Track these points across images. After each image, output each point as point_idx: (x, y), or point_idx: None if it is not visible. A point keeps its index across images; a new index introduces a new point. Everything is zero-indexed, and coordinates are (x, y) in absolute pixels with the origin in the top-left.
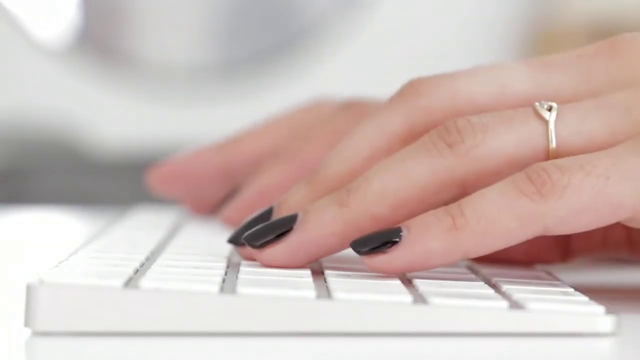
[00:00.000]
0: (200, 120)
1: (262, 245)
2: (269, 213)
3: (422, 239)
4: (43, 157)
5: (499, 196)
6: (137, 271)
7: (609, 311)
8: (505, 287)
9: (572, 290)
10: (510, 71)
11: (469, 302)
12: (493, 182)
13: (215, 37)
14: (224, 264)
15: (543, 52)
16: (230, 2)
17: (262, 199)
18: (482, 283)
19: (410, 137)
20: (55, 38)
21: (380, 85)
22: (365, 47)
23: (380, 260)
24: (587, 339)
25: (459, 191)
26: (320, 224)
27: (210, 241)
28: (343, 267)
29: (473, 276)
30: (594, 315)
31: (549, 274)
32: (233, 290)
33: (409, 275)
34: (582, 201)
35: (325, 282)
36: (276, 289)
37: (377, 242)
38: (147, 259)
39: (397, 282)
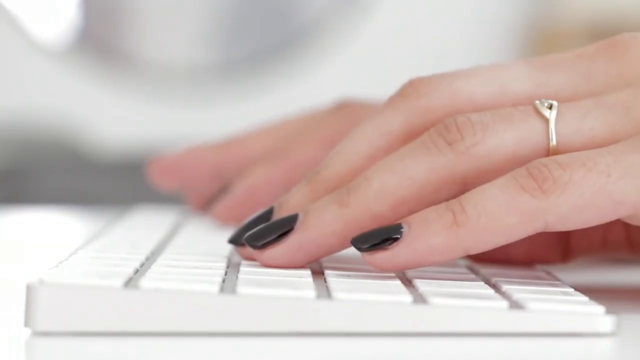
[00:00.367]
0: (200, 120)
1: (263, 246)
2: (269, 213)
3: (423, 236)
4: (43, 157)
5: (500, 192)
6: (137, 271)
7: (609, 311)
8: (505, 287)
9: (572, 290)
10: (510, 71)
11: (469, 302)
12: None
13: (215, 37)
14: (224, 264)
15: (543, 52)
16: (230, 2)
17: (251, 196)
18: (482, 283)
19: (410, 137)
20: (55, 38)
21: (380, 85)
22: (365, 47)
23: (381, 257)
24: (587, 339)
25: (459, 189)
26: (321, 224)
27: (210, 241)
28: (343, 267)
29: (473, 276)
30: (594, 315)
31: (549, 274)
32: (233, 290)
33: (409, 275)
34: (584, 198)
35: (325, 282)
36: (276, 289)
37: (378, 238)
38: (147, 259)
39: (397, 282)
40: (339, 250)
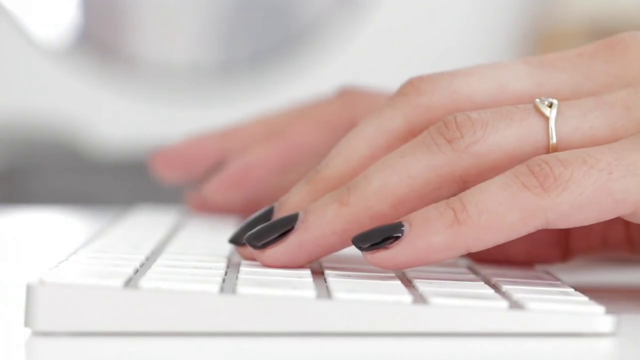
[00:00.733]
0: (200, 120)
1: (264, 246)
2: (269, 213)
3: (424, 234)
4: (43, 157)
5: (501, 190)
6: (137, 271)
7: (609, 311)
8: (505, 287)
9: (572, 290)
10: (510, 70)
11: (469, 302)
12: None
13: (215, 37)
14: (224, 264)
15: (543, 52)
16: (230, 2)
17: (246, 175)
18: (482, 283)
19: (410, 136)
20: (55, 38)
21: (380, 85)
22: (365, 47)
23: (382, 256)
24: (587, 339)
25: (459, 187)
26: (321, 223)
27: (210, 241)
28: (343, 267)
29: (473, 276)
30: (594, 315)
31: (549, 274)
32: (233, 290)
33: (409, 275)
34: (585, 195)
35: (325, 282)
36: (276, 289)
37: (379, 237)
38: (147, 259)
39: (397, 282)
40: (339, 249)
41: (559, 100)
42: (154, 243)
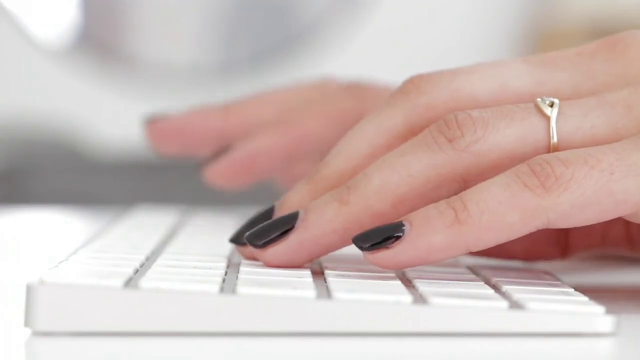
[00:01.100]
0: None
1: (264, 245)
2: (270, 212)
3: (424, 234)
4: (43, 157)
5: (502, 189)
6: (137, 271)
7: (609, 311)
8: (505, 287)
9: (572, 290)
10: (511, 68)
11: (469, 302)
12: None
13: (215, 37)
14: (224, 264)
15: (543, 52)
16: (230, 2)
17: (251, 162)
18: (482, 283)
19: (410, 135)
20: (55, 38)
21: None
22: (365, 47)
23: (383, 255)
24: (587, 339)
25: (460, 186)
26: (321, 222)
27: (210, 241)
28: (343, 267)
29: (473, 276)
30: (594, 315)
31: (549, 274)
32: (233, 290)
33: (409, 275)
34: (586, 195)
35: (325, 282)
36: (276, 289)
37: (379, 237)
38: (147, 259)
39: (397, 282)
40: (340, 248)
41: (560, 98)
42: (154, 243)
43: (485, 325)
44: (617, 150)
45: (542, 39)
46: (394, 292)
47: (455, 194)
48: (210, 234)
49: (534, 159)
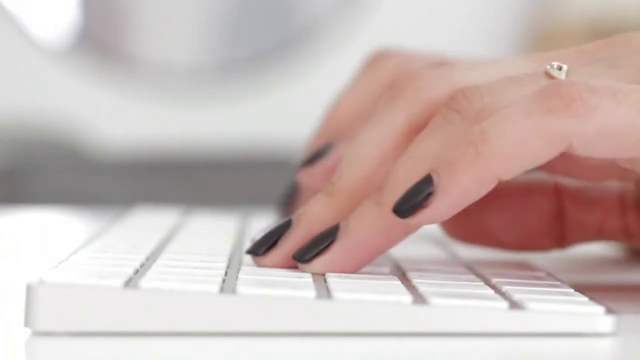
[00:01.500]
0: (200, 120)
1: (310, 259)
2: (288, 225)
3: (453, 180)
4: (43, 157)
5: (524, 117)
6: (137, 271)
7: (609, 311)
8: (505, 287)
9: (572, 290)
10: (511, 66)
11: (469, 302)
12: None
13: (215, 37)
14: (224, 264)
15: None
16: (230, 2)
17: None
18: (482, 283)
19: (415, 132)
20: (55, 38)
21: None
22: (365, 47)
23: (423, 213)
24: (587, 339)
25: None
26: (362, 226)
27: (210, 241)
28: None
29: (473, 276)
30: (594, 315)
31: (549, 274)
32: (233, 290)
33: (408, 275)
34: (611, 125)
35: (325, 282)
36: (276, 289)
37: (415, 198)
38: (147, 259)
39: (397, 282)
40: (387, 249)
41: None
42: (154, 243)
43: (485, 325)
44: None
45: (542, 39)
46: (394, 292)
47: None
48: (210, 234)
49: (560, 81)
